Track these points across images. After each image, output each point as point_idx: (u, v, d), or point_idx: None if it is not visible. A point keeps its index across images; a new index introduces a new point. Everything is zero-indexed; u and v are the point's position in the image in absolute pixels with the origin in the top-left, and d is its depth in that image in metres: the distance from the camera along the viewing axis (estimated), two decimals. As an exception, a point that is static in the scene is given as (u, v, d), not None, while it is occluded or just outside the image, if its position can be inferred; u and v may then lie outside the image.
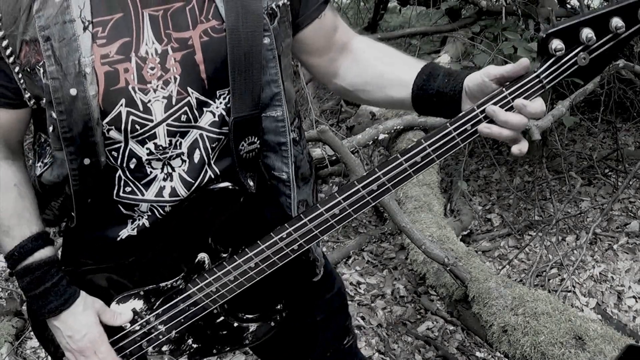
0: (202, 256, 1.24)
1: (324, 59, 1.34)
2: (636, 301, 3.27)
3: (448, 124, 1.11)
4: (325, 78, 1.39)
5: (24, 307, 2.84)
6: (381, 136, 3.84)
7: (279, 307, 1.34)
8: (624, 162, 4.33)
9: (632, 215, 3.98)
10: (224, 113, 1.15)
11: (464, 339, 3.06)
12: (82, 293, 1.25)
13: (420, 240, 2.54)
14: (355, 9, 6.39)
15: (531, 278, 3.35)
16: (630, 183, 4.14)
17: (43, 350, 1.52)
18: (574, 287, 3.37)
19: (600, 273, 3.49)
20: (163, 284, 1.27)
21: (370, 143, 3.86)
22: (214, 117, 1.15)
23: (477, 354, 2.96)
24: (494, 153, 4.62)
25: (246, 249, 1.21)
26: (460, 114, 1.11)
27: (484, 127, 1.10)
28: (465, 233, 3.84)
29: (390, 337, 3.11)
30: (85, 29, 1.07)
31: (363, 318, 3.24)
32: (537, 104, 1.10)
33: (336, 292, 1.53)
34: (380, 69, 1.31)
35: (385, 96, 1.30)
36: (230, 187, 1.18)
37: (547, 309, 2.21)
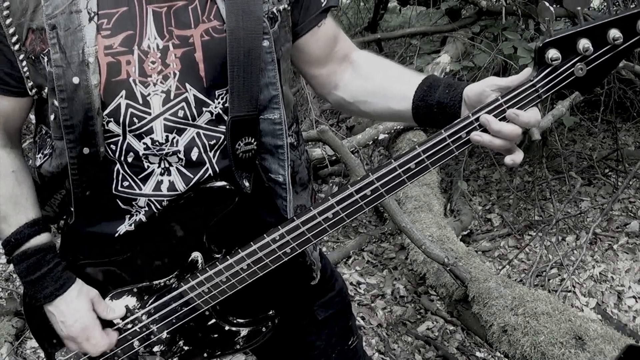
0: (196, 255, 1.24)
1: (323, 70, 1.35)
2: (636, 301, 3.28)
3: (443, 131, 1.11)
4: (324, 90, 1.39)
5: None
6: (381, 136, 3.85)
7: (270, 313, 1.33)
8: (624, 162, 4.33)
9: (632, 215, 3.98)
10: (222, 112, 1.17)
11: (464, 339, 3.06)
12: (78, 280, 1.27)
13: (420, 240, 2.54)
14: (355, 9, 6.40)
15: (531, 278, 3.35)
16: (630, 183, 4.13)
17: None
18: (574, 287, 3.37)
19: (600, 273, 3.49)
20: (156, 282, 1.27)
21: (370, 143, 3.87)
22: (212, 116, 1.17)
23: (477, 354, 2.96)
24: (494, 153, 4.62)
25: (239, 250, 1.21)
26: (455, 121, 1.11)
27: (476, 135, 1.10)
28: (465, 233, 3.84)
29: (390, 337, 3.11)
30: (90, 19, 1.09)
31: (363, 318, 3.24)
32: (530, 114, 1.09)
33: (337, 293, 1.52)
34: (381, 80, 1.31)
35: (385, 107, 1.31)
36: (227, 186, 1.19)
37: (547, 309, 2.21)
